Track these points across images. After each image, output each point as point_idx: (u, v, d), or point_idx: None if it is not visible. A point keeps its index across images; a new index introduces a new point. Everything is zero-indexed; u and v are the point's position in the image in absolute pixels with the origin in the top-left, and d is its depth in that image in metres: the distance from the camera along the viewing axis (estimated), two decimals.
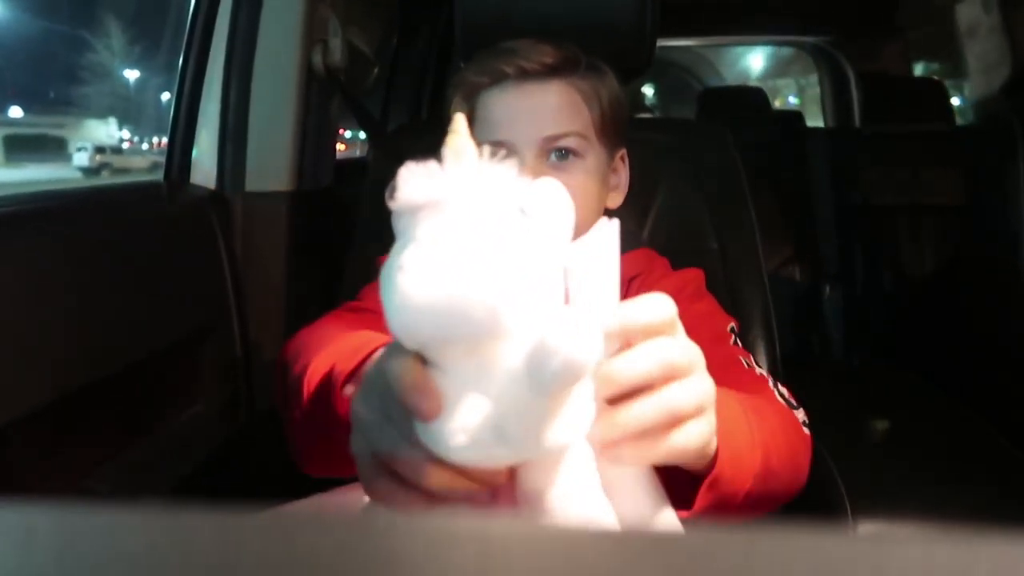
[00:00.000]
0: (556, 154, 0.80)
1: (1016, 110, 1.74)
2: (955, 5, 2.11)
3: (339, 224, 1.24)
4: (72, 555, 0.20)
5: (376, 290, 0.38)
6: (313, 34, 1.18)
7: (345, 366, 0.54)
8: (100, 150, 5.42)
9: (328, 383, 0.55)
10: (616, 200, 0.89)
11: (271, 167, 1.17)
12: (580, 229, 0.51)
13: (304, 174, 1.21)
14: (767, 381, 0.70)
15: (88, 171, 5.30)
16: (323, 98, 1.24)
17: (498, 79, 0.81)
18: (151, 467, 0.91)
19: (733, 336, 0.80)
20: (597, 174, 0.83)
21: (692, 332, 0.45)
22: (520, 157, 0.77)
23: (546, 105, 0.80)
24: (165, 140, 1.17)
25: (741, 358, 0.74)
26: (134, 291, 0.91)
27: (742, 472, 0.52)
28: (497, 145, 0.71)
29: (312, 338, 0.67)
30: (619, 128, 0.87)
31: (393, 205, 0.35)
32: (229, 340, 1.11)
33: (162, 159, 1.17)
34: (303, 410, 0.59)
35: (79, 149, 5.44)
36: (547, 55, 0.80)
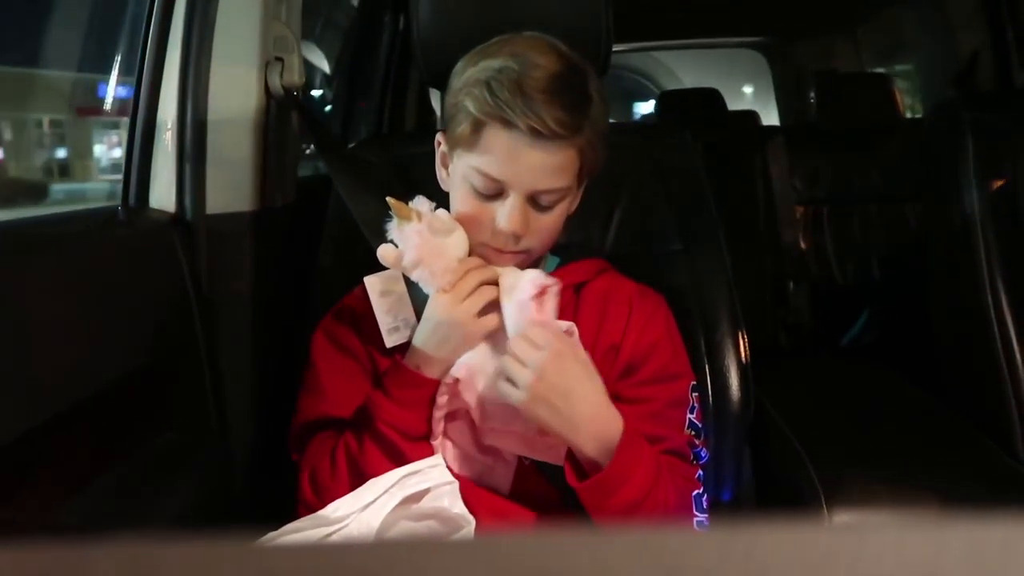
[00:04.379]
0: (542, 199, 0.87)
1: (963, 100, 1.79)
2: (904, 1, 2.16)
3: (305, 241, 1.23)
4: None
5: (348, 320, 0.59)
6: (270, 52, 1.17)
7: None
8: None
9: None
10: (570, 209, 0.94)
11: (232, 187, 1.16)
12: (542, 252, 0.97)
13: (267, 193, 1.20)
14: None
15: None
16: (282, 116, 1.23)
17: (508, 124, 0.83)
18: (122, 497, 0.89)
19: (690, 400, 0.93)
20: (568, 206, 0.92)
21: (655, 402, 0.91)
22: (510, 196, 0.85)
23: (546, 165, 0.85)
24: None
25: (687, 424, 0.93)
26: (95, 320, 0.89)
27: (623, 486, 0.81)
28: (493, 181, 0.86)
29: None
30: (597, 166, 0.92)
31: None
32: (198, 364, 1.10)
33: None
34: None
35: None
36: (561, 123, 0.82)
